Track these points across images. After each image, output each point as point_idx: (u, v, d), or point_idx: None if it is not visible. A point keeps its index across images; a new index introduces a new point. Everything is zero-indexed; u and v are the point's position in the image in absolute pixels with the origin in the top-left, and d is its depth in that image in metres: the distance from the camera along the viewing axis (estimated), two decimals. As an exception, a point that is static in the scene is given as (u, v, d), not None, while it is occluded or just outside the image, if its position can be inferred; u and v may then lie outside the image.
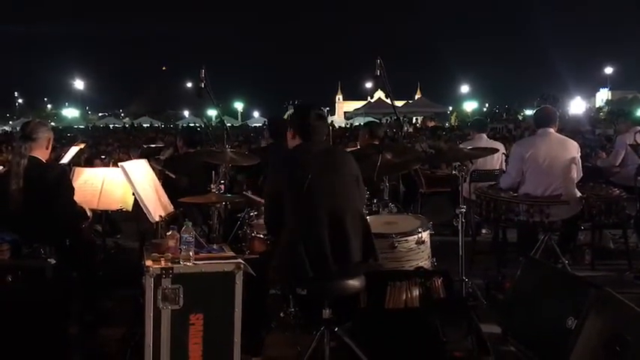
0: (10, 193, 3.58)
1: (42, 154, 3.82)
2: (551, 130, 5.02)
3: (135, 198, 3.80)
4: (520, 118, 39.10)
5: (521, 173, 5.00)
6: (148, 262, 2.96)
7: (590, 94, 55.89)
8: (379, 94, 39.36)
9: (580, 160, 5.04)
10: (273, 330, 3.70)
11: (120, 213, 4.73)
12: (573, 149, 4.98)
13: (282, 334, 3.70)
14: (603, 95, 54.69)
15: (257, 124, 41.99)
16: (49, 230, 3.57)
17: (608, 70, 54.66)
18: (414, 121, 34.15)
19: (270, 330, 3.67)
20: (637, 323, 2.99)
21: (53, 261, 3.34)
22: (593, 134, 18.34)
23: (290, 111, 3.64)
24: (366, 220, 3.35)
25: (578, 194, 4.93)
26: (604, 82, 55.31)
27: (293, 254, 3.04)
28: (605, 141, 13.77)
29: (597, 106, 49.51)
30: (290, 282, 3.17)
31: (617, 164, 6.58)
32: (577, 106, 44.67)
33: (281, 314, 3.81)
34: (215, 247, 3.29)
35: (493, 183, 5.71)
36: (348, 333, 3.22)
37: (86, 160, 8.90)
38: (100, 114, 66.15)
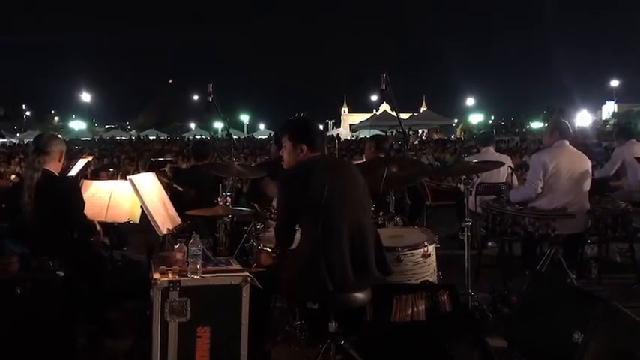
0: (23, 206, 3.62)
1: (55, 166, 3.90)
2: (567, 142, 5.02)
3: (142, 211, 3.82)
4: (524, 130, 39.05)
5: (543, 182, 4.83)
6: (156, 275, 2.99)
7: (597, 107, 55.81)
8: (384, 106, 39.42)
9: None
10: (279, 343, 3.70)
11: (127, 225, 4.75)
12: (589, 163, 5.01)
13: (288, 347, 3.69)
14: (609, 108, 54.51)
15: (262, 137, 42.09)
16: (59, 243, 3.60)
17: (615, 83, 54.57)
18: (419, 133, 34.16)
19: (276, 343, 3.67)
20: (644, 337, 2.99)
21: (62, 273, 3.36)
22: (600, 147, 18.28)
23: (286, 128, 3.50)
24: (377, 232, 3.34)
25: (588, 207, 4.92)
26: (610, 94, 55.21)
27: (314, 269, 2.98)
28: (611, 154, 13.72)
29: (604, 118, 49.39)
30: (302, 295, 3.12)
31: (612, 174, 6.59)
32: (583, 119, 44.59)
33: (287, 327, 3.81)
34: (222, 260, 3.31)
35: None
36: (354, 346, 3.21)
37: (93, 172, 8.92)
38: (106, 126, 66.52)
